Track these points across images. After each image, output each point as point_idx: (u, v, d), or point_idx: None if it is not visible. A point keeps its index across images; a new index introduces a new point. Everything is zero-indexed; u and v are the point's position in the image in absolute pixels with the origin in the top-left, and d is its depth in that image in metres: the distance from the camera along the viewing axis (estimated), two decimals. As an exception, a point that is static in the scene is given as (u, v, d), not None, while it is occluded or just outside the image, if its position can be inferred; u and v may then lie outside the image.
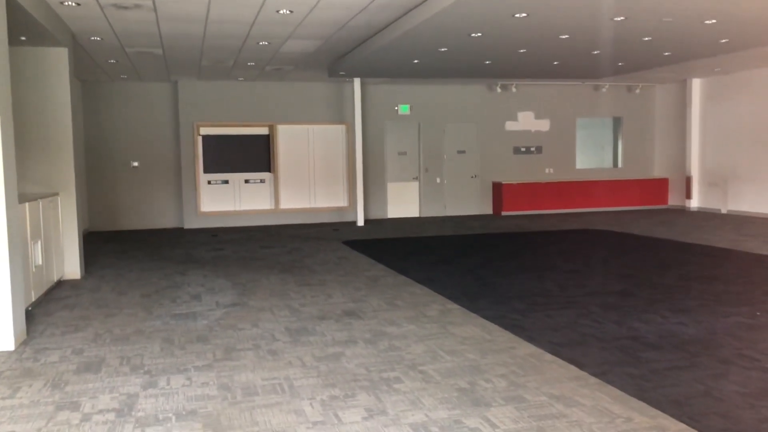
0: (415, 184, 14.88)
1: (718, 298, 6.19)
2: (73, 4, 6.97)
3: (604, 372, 4.15)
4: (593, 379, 4.03)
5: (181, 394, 3.91)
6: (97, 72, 11.94)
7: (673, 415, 3.45)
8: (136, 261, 9.23)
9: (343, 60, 11.08)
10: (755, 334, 4.98)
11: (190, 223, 13.56)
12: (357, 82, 13.33)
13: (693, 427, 3.30)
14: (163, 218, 13.71)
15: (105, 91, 13.23)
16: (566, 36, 9.15)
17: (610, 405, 3.62)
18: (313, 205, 14.23)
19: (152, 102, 13.48)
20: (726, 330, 5.10)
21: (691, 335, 4.97)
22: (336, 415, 3.55)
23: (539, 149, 15.58)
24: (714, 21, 8.35)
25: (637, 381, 3.99)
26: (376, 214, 14.54)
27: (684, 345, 4.72)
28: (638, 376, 4.08)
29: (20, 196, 6.35)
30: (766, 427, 3.31)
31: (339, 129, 14.27)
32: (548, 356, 4.51)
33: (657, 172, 16.27)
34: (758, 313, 5.57)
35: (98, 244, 11.09)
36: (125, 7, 7.24)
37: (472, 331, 5.21)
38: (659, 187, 15.95)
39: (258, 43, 9.48)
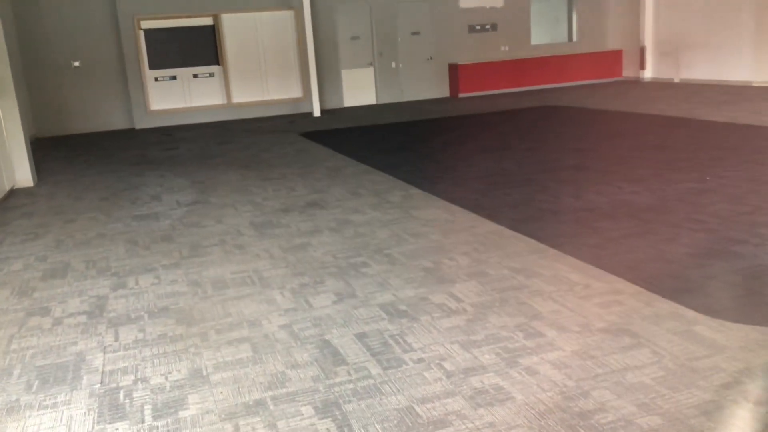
0: (371, 70, 14.57)
1: (669, 166, 6.37)
2: None
3: (562, 243, 4.31)
4: (552, 251, 4.19)
5: (151, 293, 3.96)
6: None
7: (628, 279, 3.63)
8: (89, 165, 9.01)
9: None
10: (704, 197, 5.18)
11: (141, 123, 13.17)
12: (303, -37, 12.68)
13: (647, 289, 3.49)
14: (112, 119, 13.25)
15: (33, -14, 12.33)
16: None
17: (569, 274, 3.78)
18: (266, 98, 13.88)
19: (86, -4, 12.65)
20: (677, 196, 5.29)
21: (645, 203, 5.15)
22: (307, 301, 3.65)
23: (494, 27, 15.27)
24: None
25: (593, 250, 4.16)
26: (332, 104, 14.30)
27: (638, 213, 4.91)
28: (595, 245, 4.26)
29: (-43, 104, 6.04)
30: (711, 283, 3.52)
31: (287, 15, 13.70)
32: (508, 232, 4.65)
33: (611, 44, 16.19)
34: (708, 178, 5.78)
35: (47, 150, 10.75)
36: None
37: (435, 213, 5.31)
38: (613, 59, 15.93)
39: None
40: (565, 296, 3.47)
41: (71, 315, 3.69)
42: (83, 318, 3.64)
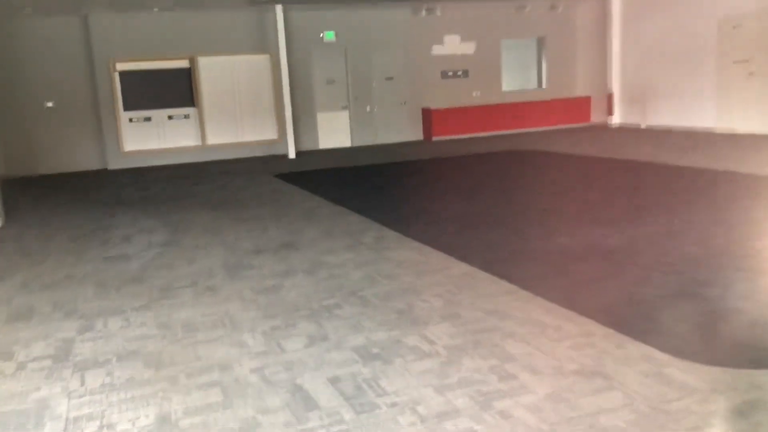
0: (345, 113, 14.72)
1: (638, 210, 6.49)
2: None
3: (534, 285, 4.34)
4: (524, 293, 4.21)
5: (119, 336, 3.88)
6: (-4, 6, 11.09)
7: (599, 321, 3.66)
8: (60, 205, 8.89)
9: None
10: (672, 240, 5.28)
11: (114, 164, 13.08)
12: (279, 8, 12.88)
13: (618, 331, 3.52)
14: (85, 160, 13.15)
15: (8, 29, 12.33)
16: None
17: (541, 316, 3.80)
18: (241, 140, 13.91)
19: (62, 38, 12.66)
20: (646, 238, 5.38)
21: (615, 246, 5.23)
22: (278, 345, 3.60)
23: (466, 73, 15.59)
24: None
25: (565, 291, 4.19)
26: (307, 146, 14.37)
27: (608, 255, 4.97)
28: (566, 287, 4.29)
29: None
30: (682, 326, 3.56)
31: (263, 59, 13.84)
32: (481, 273, 4.67)
33: (580, 91, 16.60)
34: (675, 221, 5.89)
35: (17, 190, 10.59)
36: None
37: (408, 254, 5.32)
38: (582, 105, 16.31)
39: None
40: (537, 338, 3.48)
41: (35, 359, 3.59)
42: (48, 362, 3.54)
